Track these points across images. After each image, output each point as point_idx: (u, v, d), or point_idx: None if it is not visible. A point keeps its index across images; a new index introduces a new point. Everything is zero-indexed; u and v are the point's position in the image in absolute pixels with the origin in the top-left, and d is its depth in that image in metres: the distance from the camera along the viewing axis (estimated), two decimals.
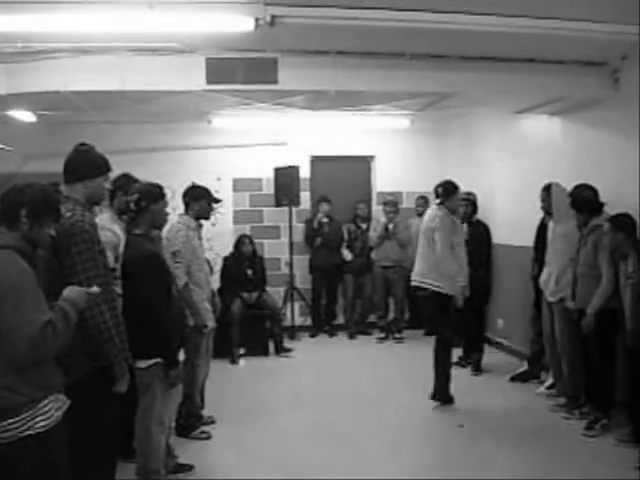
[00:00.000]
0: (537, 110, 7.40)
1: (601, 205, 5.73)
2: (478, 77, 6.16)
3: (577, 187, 5.84)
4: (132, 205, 4.29)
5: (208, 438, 5.59)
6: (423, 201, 9.78)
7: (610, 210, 5.63)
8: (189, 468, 4.87)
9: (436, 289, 6.19)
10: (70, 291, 2.85)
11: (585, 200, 5.76)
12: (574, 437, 5.48)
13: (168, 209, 4.58)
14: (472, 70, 6.08)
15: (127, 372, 3.45)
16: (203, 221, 5.73)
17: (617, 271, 5.39)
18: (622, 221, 5.23)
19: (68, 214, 3.21)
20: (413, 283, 6.48)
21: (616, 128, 6.32)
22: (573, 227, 5.99)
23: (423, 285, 6.31)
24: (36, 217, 2.82)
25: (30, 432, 2.66)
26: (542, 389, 6.71)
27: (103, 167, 3.56)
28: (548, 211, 6.47)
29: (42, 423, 2.70)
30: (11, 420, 2.62)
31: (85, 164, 3.48)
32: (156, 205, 4.37)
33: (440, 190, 6.39)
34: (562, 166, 6.99)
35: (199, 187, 5.72)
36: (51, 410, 2.74)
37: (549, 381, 6.66)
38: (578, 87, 6.38)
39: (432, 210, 6.55)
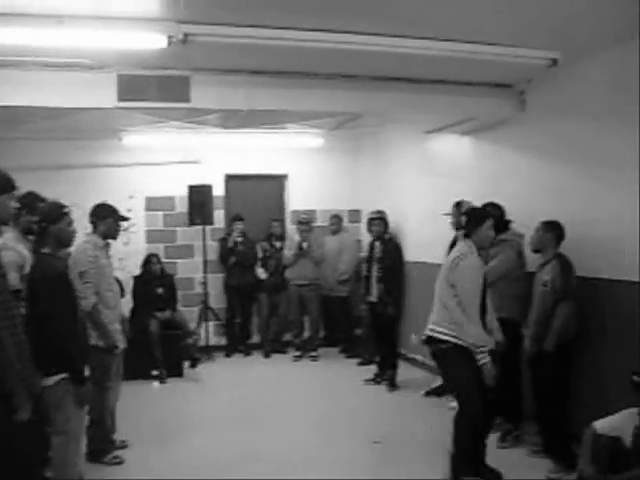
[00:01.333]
0: (447, 130, 7.60)
1: (507, 223, 5.88)
2: (390, 97, 6.28)
3: (484, 206, 5.99)
4: (35, 227, 4.19)
5: (120, 463, 5.44)
6: (337, 219, 9.89)
7: (518, 227, 5.81)
8: None
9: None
10: None
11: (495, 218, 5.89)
12: (489, 448, 5.56)
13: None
14: (384, 90, 6.20)
15: (28, 400, 3.34)
16: (112, 240, 5.62)
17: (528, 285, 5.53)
18: (554, 224, 5.32)
19: None
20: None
21: (523, 147, 6.55)
22: None
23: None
24: None
25: None
26: (455, 403, 6.80)
27: (7, 185, 3.48)
28: (458, 227, 6.58)
29: None
30: None
31: None
32: (57, 225, 4.23)
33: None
34: (472, 184, 7.18)
35: (106, 205, 5.62)
36: None
37: None
38: (486, 108, 6.59)
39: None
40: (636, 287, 5.06)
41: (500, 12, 4.48)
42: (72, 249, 4.96)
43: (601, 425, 4.24)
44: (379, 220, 8.07)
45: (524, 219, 5.82)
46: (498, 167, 6.94)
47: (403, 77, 6.13)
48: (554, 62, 5.29)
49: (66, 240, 4.41)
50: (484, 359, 4.65)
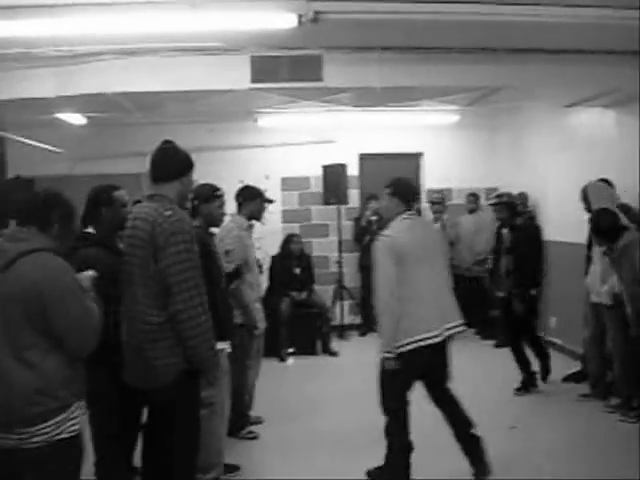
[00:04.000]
0: (589, 103, 7.21)
1: (623, 229, 5.36)
2: (527, 70, 6.02)
3: (597, 214, 5.53)
4: (189, 204, 4.42)
5: (255, 438, 5.58)
6: (473, 198, 9.62)
7: None
8: (236, 468, 4.86)
9: None
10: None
11: (605, 227, 5.42)
12: (632, 440, 5.30)
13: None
14: (521, 63, 5.95)
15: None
16: (256, 222, 5.73)
17: None
18: None
19: (167, 213, 3.24)
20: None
21: None
22: None
23: None
24: (68, 219, 2.87)
25: (63, 435, 2.66)
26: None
27: (191, 162, 3.59)
28: (589, 210, 6.14)
29: (73, 427, 2.71)
30: (41, 425, 2.62)
31: (179, 161, 3.55)
32: (208, 205, 4.59)
33: None
34: (616, 160, 6.78)
35: (252, 187, 5.73)
36: (79, 416, 2.75)
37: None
38: (631, 78, 6.17)
39: None
40: None
41: None
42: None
43: None
44: (500, 205, 6.72)
45: None
46: None
47: (541, 48, 5.83)
48: None
49: (215, 220, 4.74)
50: None
